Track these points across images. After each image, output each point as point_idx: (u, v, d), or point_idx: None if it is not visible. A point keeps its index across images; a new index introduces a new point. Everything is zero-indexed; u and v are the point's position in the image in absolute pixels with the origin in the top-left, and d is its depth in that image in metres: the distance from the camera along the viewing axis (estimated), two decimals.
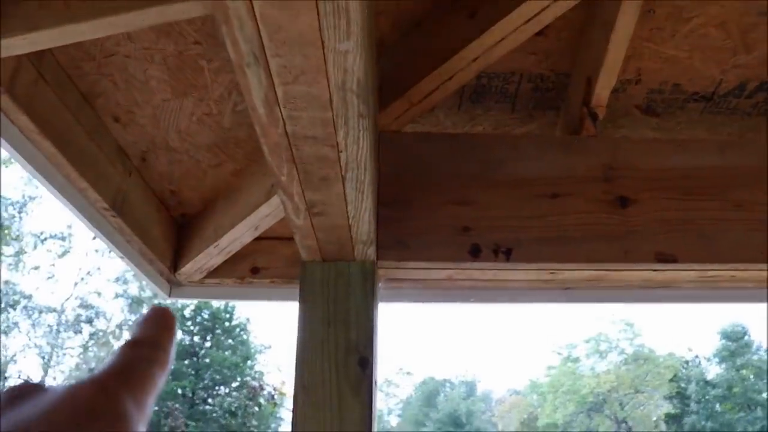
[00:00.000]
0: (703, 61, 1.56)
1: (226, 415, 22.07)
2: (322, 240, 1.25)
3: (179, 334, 23.48)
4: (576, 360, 33.31)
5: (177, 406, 21.27)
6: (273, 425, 23.72)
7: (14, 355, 20.90)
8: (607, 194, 1.43)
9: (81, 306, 22.51)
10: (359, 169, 0.99)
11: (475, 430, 39.02)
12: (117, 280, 23.25)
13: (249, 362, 24.32)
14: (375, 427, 1.25)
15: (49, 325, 22.02)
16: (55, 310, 22.02)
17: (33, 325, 21.51)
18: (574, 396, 31.34)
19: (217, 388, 23.29)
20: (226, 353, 23.79)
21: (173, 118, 1.52)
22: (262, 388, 22.65)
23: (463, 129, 1.72)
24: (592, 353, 32.82)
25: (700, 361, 30.38)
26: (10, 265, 20.72)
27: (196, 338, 24.11)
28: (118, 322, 22.89)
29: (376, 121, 1.31)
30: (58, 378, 22.14)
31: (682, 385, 29.21)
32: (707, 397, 27.92)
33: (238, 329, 24.85)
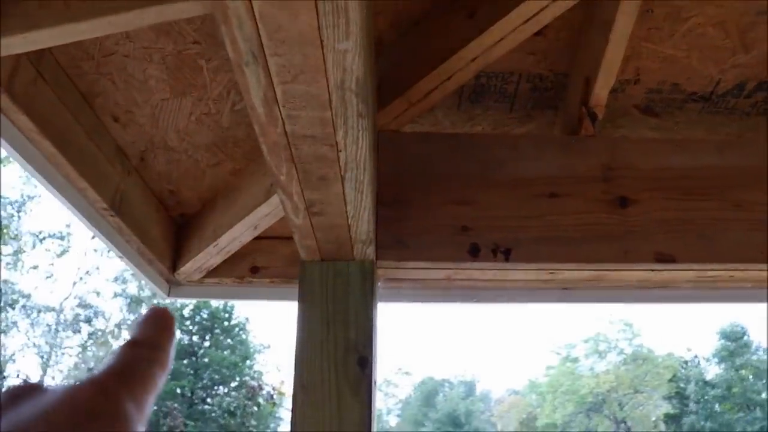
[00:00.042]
0: (702, 61, 1.56)
1: (225, 414, 22.06)
2: (321, 239, 1.25)
3: (178, 334, 23.42)
4: (575, 360, 33.33)
5: (176, 405, 21.26)
6: (272, 425, 23.71)
7: (13, 355, 20.89)
8: (606, 194, 1.43)
9: (80, 305, 22.50)
10: (358, 168, 0.99)
11: (474, 430, 39.03)
12: (116, 279, 23.23)
13: (248, 362, 24.31)
14: (374, 426, 1.25)
15: (47, 325, 22.00)
16: (53, 310, 22.01)
17: (32, 324, 21.50)
18: (573, 396, 31.35)
19: (216, 387, 23.29)
20: (225, 353, 23.79)
21: (172, 118, 1.52)
22: (261, 388, 22.64)
23: (462, 129, 1.72)
24: (591, 353, 32.84)
25: (699, 362, 30.41)
26: (8, 264, 20.71)
27: (195, 338, 24.11)
28: (116, 321, 22.88)
29: (375, 120, 1.31)
30: (56, 377, 22.12)
31: (681, 385, 29.23)
32: (706, 398, 27.94)
33: (237, 329, 24.84)
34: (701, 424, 27.21)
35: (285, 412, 23.15)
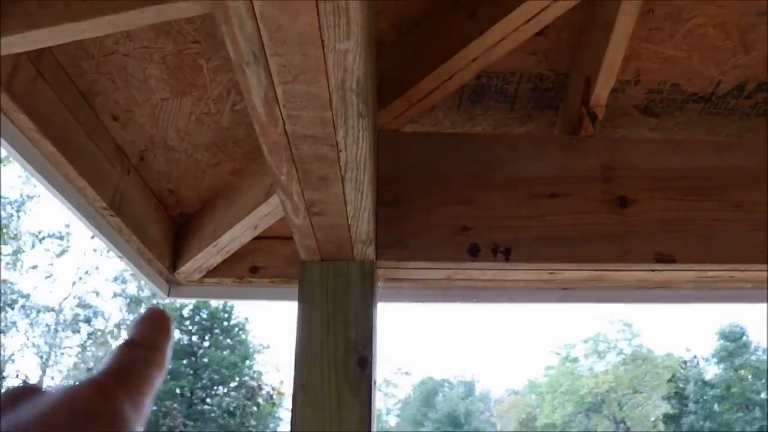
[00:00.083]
0: (702, 62, 1.56)
1: (225, 414, 22.06)
2: (321, 239, 1.25)
3: (177, 334, 23.47)
4: (574, 360, 33.35)
5: (175, 405, 21.26)
6: (271, 425, 23.72)
7: (12, 355, 20.88)
8: (606, 194, 1.43)
9: (79, 305, 22.50)
10: (358, 168, 0.99)
11: (474, 430, 39.03)
12: (115, 279, 23.23)
13: (247, 362, 24.31)
14: (374, 426, 1.25)
15: (47, 325, 22.00)
16: (53, 310, 22.00)
17: (31, 324, 21.49)
18: (572, 396, 31.36)
19: (215, 387, 23.29)
20: (225, 353, 23.78)
21: (172, 117, 1.52)
22: (260, 388, 22.64)
23: (462, 129, 1.72)
24: (591, 353, 32.86)
25: (698, 362, 30.42)
26: (8, 264, 20.70)
27: (194, 338, 24.10)
28: (116, 321, 22.88)
29: (375, 120, 1.31)
30: (56, 377, 22.12)
31: (681, 385, 29.25)
32: (705, 398, 27.95)
33: (236, 329, 24.84)
34: (700, 424, 27.22)
35: (284, 412, 23.16)
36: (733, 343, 28.40)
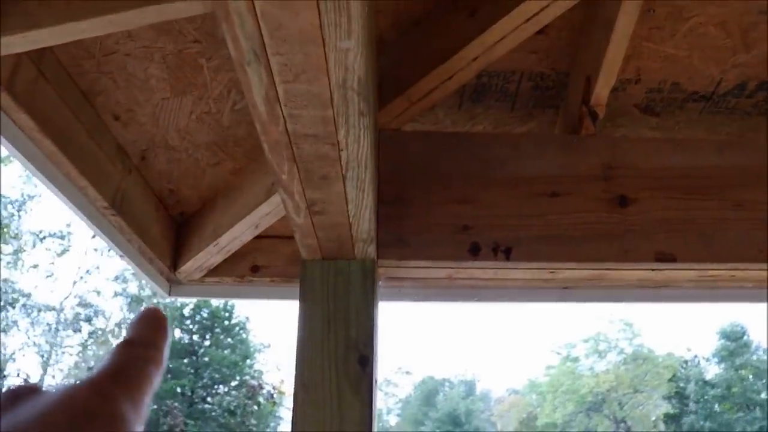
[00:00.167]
0: (703, 61, 1.56)
1: (225, 414, 22.07)
2: (322, 238, 1.25)
3: (178, 333, 23.49)
4: (575, 360, 33.34)
5: (176, 404, 21.27)
6: (272, 424, 23.74)
7: (13, 354, 20.89)
8: (607, 193, 1.43)
9: (80, 304, 22.51)
10: (360, 167, 0.99)
11: (474, 430, 39.04)
12: (116, 278, 23.24)
13: (248, 361, 24.32)
14: (375, 425, 1.25)
15: (48, 324, 22.01)
16: (54, 309, 22.01)
17: (32, 323, 21.50)
18: (573, 396, 31.36)
19: (216, 386, 23.30)
20: (226, 352, 23.79)
21: (173, 117, 1.52)
22: (261, 387, 22.65)
23: (463, 128, 1.72)
24: (591, 353, 32.85)
25: (699, 361, 30.40)
26: (9, 263, 20.71)
27: (195, 337, 24.12)
28: (117, 320, 22.89)
29: (376, 119, 1.31)
30: (57, 377, 22.14)
31: (681, 384, 29.23)
32: (706, 397, 27.94)
33: (237, 328, 24.85)
34: (701, 424, 27.21)
35: (285, 411, 23.18)
36: (734, 343, 28.39)
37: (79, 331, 22.52)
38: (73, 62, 1.33)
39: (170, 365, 22.48)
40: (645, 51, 1.53)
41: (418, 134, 1.53)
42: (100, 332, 22.67)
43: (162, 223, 1.74)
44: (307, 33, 0.68)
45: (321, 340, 1.29)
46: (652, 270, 1.41)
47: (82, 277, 22.71)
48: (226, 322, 24.60)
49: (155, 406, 20.68)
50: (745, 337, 28.53)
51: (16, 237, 21.01)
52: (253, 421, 22.23)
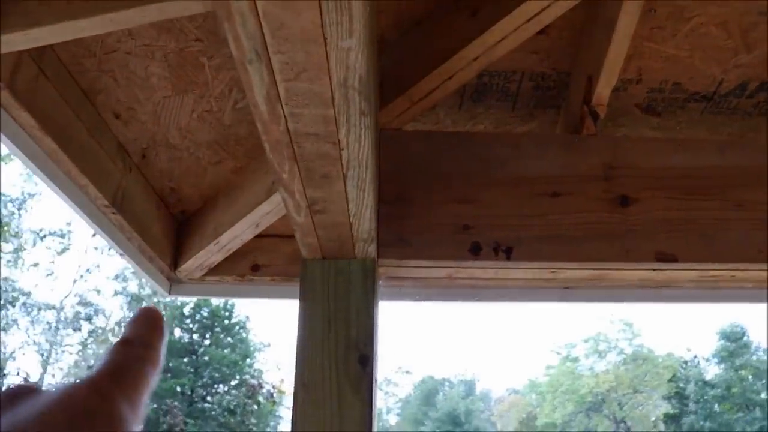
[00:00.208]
0: (704, 61, 1.56)
1: (225, 413, 22.08)
2: (322, 237, 1.25)
3: (178, 332, 23.50)
4: (575, 360, 33.35)
5: (176, 403, 21.28)
6: (272, 423, 23.75)
7: (13, 352, 20.90)
8: (608, 193, 1.43)
9: (80, 303, 22.52)
10: (360, 166, 0.99)
11: (474, 430, 39.05)
12: (116, 277, 23.26)
13: (248, 360, 24.34)
14: (375, 425, 1.25)
15: (48, 323, 22.02)
16: (54, 308, 22.03)
17: (32, 322, 21.52)
18: (572, 396, 31.37)
19: (216, 386, 23.31)
20: (226, 351, 23.81)
21: (173, 115, 1.52)
22: (261, 386, 22.66)
23: (464, 127, 1.72)
24: (591, 353, 32.86)
25: (698, 362, 30.42)
26: (9, 261, 20.72)
27: (195, 336, 24.13)
28: (117, 319, 22.90)
29: (377, 118, 1.31)
30: (57, 375, 22.15)
31: (681, 385, 29.24)
32: (706, 398, 27.95)
33: (237, 327, 24.87)
34: (700, 424, 27.22)
35: (285, 411, 23.20)
36: (734, 343, 28.39)
37: (79, 329, 22.53)
38: (74, 60, 1.33)
39: (170, 364, 22.49)
40: (646, 51, 1.53)
41: (419, 134, 1.53)
42: (100, 331, 22.68)
43: (162, 221, 1.74)
44: (309, 32, 0.67)
45: (321, 339, 1.29)
46: (653, 270, 1.41)
47: (82, 276, 22.74)
48: (226, 321, 24.61)
49: (155, 405, 20.69)
50: (745, 338, 28.54)
51: (16, 235, 21.02)
52: (253, 420, 22.25)
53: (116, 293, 23.23)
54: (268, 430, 22.92)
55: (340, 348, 1.28)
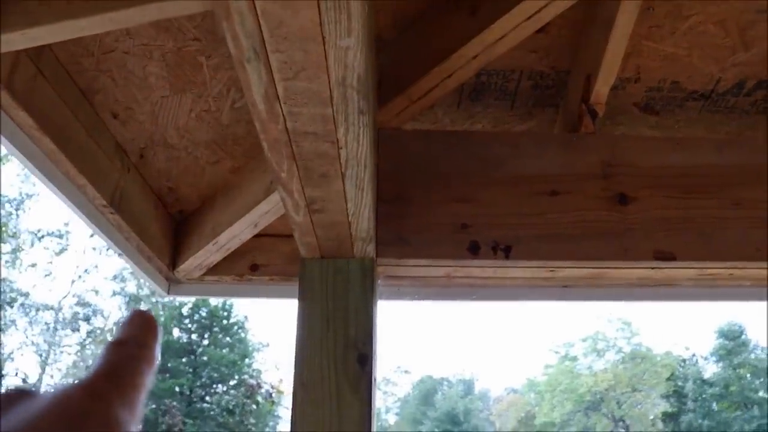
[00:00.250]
0: (702, 59, 1.57)
1: (224, 413, 22.07)
2: (321, 237, 1.24)
3: (176, 332, 23.48)
4: (573, 359, 33.37)
5: (174, 403, 21.27)
6: (270, 423, 23.74)
7: (11, 353, 20.88)
8: (606, 192, 1.43)
9: (78, 304, 22.50)
10: (359, 165, 0.99)
11: (473, 429, 39.06)
12: (114, 277, 23.24)
13: (247, 360, 24.33)
14: (374, 424, 1.25)
15: (46, 323, 22.00)
16: (52, 308, 22.00)
17: (30, 322, 21.49)
18: (571, 395, 31.40)
19: (214, 386, 23.30)
20: (224, 351, 23.79)
21: (172, 115, 1.52)
22: (259, 386, 22.65)
23: (462, 126, 1.72)
24: (590, 352, 32.89)
25: (697, 360, 30.45)
26: (7, 262, 20.69)
27: (193, 336, 24.12)
28: (115, 320, 22.88)
29: (375, 117, 1.31)
30: (55, 376, 22.12)
31: (679, 383, 29.28)
32: (704, 396, 27.98)
33: (236, 327, 24.85)
34: (699, 423, 27.26)
35: (283, 411, 23.20)
36: (732, 342, 28.43)
37: (78, 330, 22.51)
38: (72, 60, 1.32)
39: (169, 364, 22.48)
40: (644, 49, 1.53)
41: (418, 133, 1.53)
42: (98, 331, 22.66)
43: (161, 221, 1.74)
44: (308, 31, 0.67)
45: (320, 338, 1.29)
46: (652, 268, 1.41)
47: (80, 276, 22.72)
48: (225, 321, 24.60)
49: (154, 405, 20.68)
50: (743, 336, 28.58)
51: (14, 236, 21.00)
52: (252, 420, 22.24)
53: (114, 294, 23.22)
54: (267, 429, 22.91)
55: (339, 347, 1.28)
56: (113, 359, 0.36)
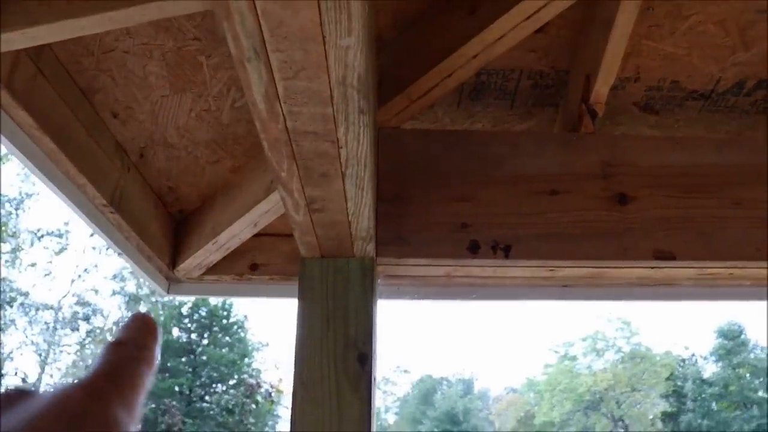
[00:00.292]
0: (702, 59, 1.57)
1: (224, 412, 22.07)
2: (321, 236, 1.25)
3: (176, 331, 23.47)
4: (573, 358, 33.38)
5: (174, 403, 21.27)
6: (270, 422, 23.74)
7: (11, 353, 20.87)
8: (606, 191, 1.43)
9: (78, 303, 22.49)
10: (359, 165, 0.99)
11: (472, 429, 39.07)
12: (114, 277, 23.23)
13: (246, 360, 24.33)
14: (374, 423, 1.25)
15: (45, 323, 21.99)
16: (52, 308, 22.00)
17: (30, 322, 21.48)
18: (570, 394, 31.41)
19: (214, 385, 23.30)
20: (224, 350, 23.79)
21: (172, 114, 1.52)
22: (259, 386, 22.65)
23: (462, 126, 1.72)
24: (589, 351, 32.90)
25: (696, 360, 30.46)
26: (6, 262, 20.69)
27: (193, 335, 24.11)
28: (115, 319, 22.87)
29: (375, 117, 1.31)
30: (55, 375, 22.12)
31: (679, 383, 29.29)
32: (703, 396, 28.00)
33: (235, 326, 24.85)
34: (698, 422, 27.27)
35: (283, 410, 23.19)
36: (732, 342, 28.44)
37: (77, 329, 22.51)
38: (72, 59, 1.32)
39: (168, 364, 22.48)
40: (644, 49, 1.53)
41: (418, 132, 1.53)
42: (98, 331, 22.66)
43: (161, 220, 1.74)
44: (308, 30, 0.67)
45: (320, 338, 1.29)
46: (652, 268, 1.41)
47: (80, 276, 22.71)
48: (225, 321, 24.60)
49: (153, 405, 20.68)
50: (743, 336, 28.59)
51: (14, 235, 20.99)
52: (252, 420, 22.24)
53: (114, 293, 23.21)
54: (267, 429, 22.91)
55: (338, 347, 1.28)
56: (113, 359, 0.36)
